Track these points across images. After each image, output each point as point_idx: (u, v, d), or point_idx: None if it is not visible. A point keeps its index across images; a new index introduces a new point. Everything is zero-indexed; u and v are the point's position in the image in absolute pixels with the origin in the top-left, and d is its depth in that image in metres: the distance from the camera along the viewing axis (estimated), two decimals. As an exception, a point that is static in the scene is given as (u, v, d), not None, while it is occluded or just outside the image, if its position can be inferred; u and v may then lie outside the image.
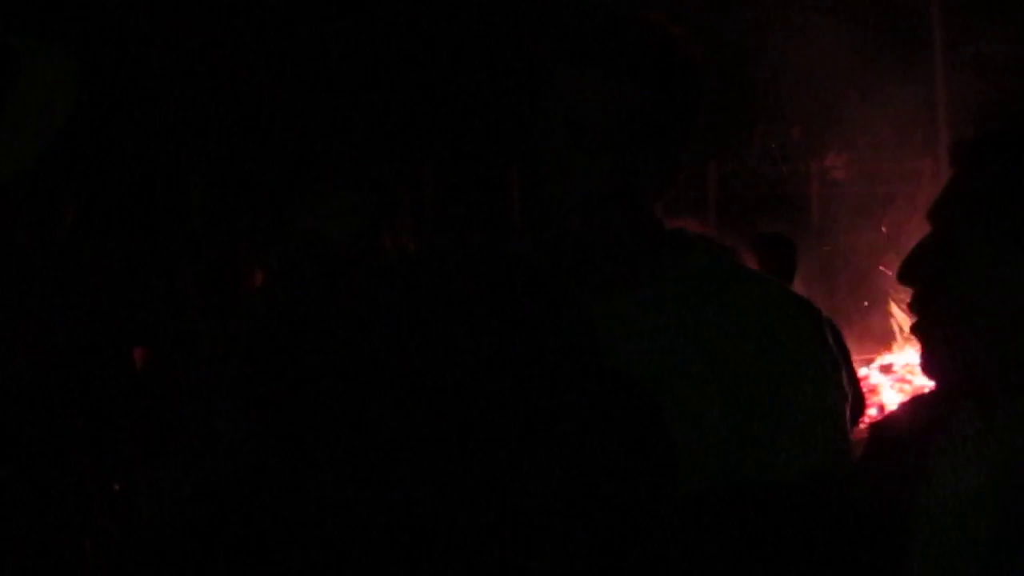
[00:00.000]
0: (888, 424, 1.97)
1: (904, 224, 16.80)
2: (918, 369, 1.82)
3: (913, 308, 1.70)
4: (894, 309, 12.82)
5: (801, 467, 1.96)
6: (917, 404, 1.88)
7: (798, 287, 6.23)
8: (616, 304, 2.04)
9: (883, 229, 16.98)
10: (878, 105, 18.02)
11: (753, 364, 1.98)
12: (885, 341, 12.89)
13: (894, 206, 17.74)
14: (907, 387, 10.21)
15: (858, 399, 6.04)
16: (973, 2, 17.63)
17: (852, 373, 6.07)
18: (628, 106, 1.97)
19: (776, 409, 1.97)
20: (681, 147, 2.05)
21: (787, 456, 1.96)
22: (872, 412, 8.67)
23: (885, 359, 11.91)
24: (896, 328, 12.71)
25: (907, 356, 11.38)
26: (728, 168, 19.59)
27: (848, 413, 2.05)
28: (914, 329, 1.71)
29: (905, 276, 1.72)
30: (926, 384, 1.85)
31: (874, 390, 10.43)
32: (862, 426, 5.98)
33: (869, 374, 11.15)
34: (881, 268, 14.26)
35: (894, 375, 11.13)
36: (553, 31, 2.07)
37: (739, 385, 1.97)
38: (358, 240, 2.48)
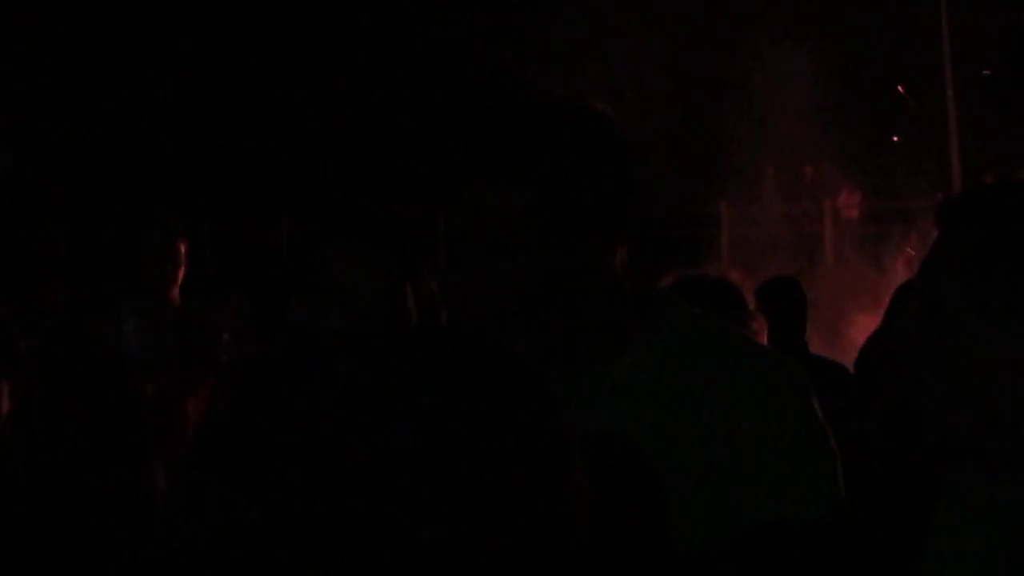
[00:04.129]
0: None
1: (919, 261, 16.73)
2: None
3: (907, 370, 1.66)
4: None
5: (794, 521, 1.95)
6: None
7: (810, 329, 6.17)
8: (602, 374, 2.03)
9: (897, 267, 16.95)
10: (890, 143, 18.02)
11: (740, 425, 1.96)
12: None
13: (908, 243, 17.72)
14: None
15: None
16: (985, 36, 17.66)
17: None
18: (520, 210, 1.95)
19: (767, 467, 1.96)
20: (615, 220, 2.01)
21: (779, 510, 1.95)
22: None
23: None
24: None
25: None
26: (741, 208, 19.60)
27: (839, 473, 2.03)
28: (909, 392, 1.68)
29: (896, 338, 1.71)
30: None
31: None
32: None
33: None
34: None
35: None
36: (473, 146, 2.03)
37: (727, 446, 1.96)
38: (381, 295, 2.47)
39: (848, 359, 7.30)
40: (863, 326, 14.68)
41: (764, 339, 3.76)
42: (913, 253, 16.76)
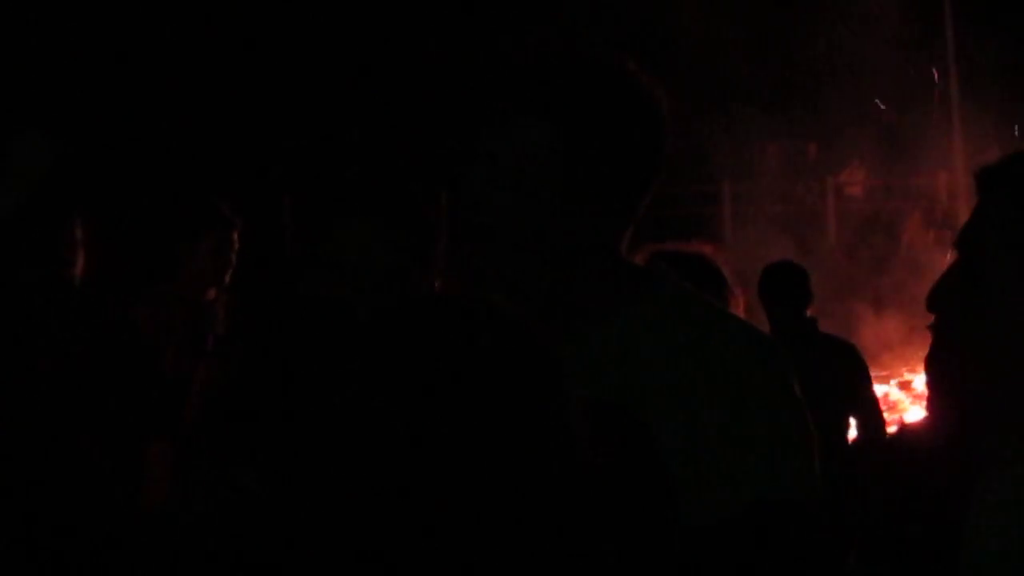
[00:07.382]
0: (907, 437, 1.92)
1: (921, 238, 16.76)
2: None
3: (936, 336, 1.64)
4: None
5: (765, 497, 1.92)
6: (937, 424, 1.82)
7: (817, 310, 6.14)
8: (587, 336, 2.01)
9: (901, 244, 16.94)
10: (893, 120, 17.99)
11: (717, 394, 1.94)
12: (905, 358, 12.84)
13: (911, 220, 17.70)
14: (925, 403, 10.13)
15: (877, 422, 5.99)
16: (988, 15, 17.62)
17: (871, 395, 6.02)
18: (536, 145, 1.97)
19: (737, 440, 1.93)
20: (634, 187, 2.01)
21: (751, 486, 1.92)
22: (892, 429, 8.64)
23: (904, 376, 11.88)
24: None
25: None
26: (743, 185, 19.57)
27: (815, 451, 2.00)
28: (935, 358, 1.65)
29: (933, 304, 1.67)
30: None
31: (893, 407, 10.40)
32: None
33: (888, 391, 11.11)
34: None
35: (913, 392, 11.11)
36: (502, 77, 2.07)
37: (702, 414, 1.93)
38: (388, 272, 2.45)
39: (851, 336, 7.28)
40: (865, 303, 14.68)
41: (740, 313, 3.73)
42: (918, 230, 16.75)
